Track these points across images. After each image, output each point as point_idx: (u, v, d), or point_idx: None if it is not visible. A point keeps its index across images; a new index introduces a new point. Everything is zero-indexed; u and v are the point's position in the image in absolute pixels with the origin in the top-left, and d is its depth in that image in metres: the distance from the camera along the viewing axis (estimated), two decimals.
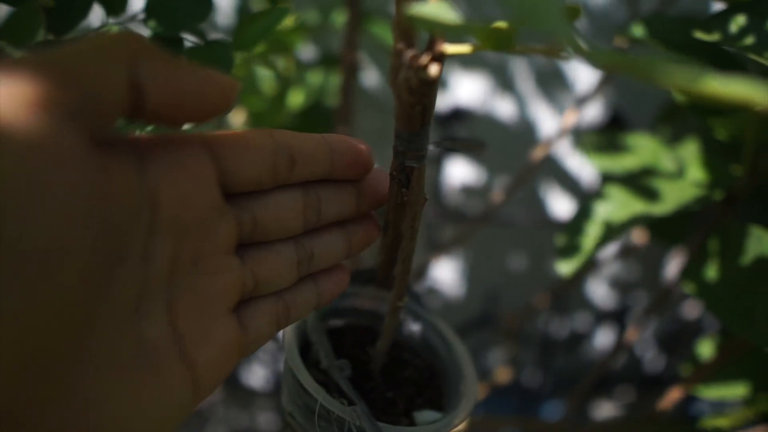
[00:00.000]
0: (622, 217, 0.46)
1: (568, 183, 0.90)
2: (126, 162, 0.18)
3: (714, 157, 0.52)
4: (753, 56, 0.36)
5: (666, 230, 0.54)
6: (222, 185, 0.22)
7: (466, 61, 0.82)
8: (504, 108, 0.87)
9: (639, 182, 0.49)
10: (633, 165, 0.54)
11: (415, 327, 0.37)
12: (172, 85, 0.18)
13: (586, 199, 0.48)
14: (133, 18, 0.36)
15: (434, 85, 0.22)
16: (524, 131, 0.88)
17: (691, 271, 0.48)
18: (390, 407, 0.33)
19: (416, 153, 0.25)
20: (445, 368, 0.36)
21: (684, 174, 0.47)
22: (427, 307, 0.38)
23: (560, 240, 0.47)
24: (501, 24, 0.18)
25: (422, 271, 0.61)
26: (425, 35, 0.22)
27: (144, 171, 0.19)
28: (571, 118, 0.55)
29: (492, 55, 0.83)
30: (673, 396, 0.53)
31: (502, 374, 0.73)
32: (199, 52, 0.34)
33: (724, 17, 0.37)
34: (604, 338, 1.03)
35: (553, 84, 0.85)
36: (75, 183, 0.15)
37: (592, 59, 0.16)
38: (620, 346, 0.58)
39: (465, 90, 0.84)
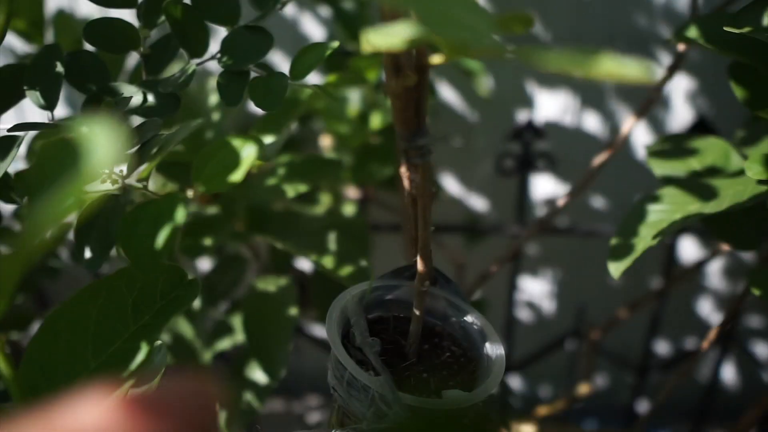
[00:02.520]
0: (675, 217, 0.46)
1: None
2: None
3: None
4: None
5: (739, 235, 0.52)
6: None
7: (547, 78, 0.84)
8: (589, 121, 0.87)
9: (697, 182, 0.48)
10: (699, 166, 0.53)
11: (455, 317, 0.40)
12: None
13: (640, 200, 0.49)
14: (212, 57, 0.43)
15: (417, 92, 0.26)
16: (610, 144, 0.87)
17: (759, 273, 0.46)
18: (423, 386, 0.36)
19: (417, 151, 0.29)
20: (480, 356, 0.38)
21: (745, 172, 0.47)
22: (464, 297, 0.41)
23: (613, 241, 0.48)
24: (431, 36, 0.22)
25: (485, 276, 0.63)
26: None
27: None
28: (632, 122, 0.55)
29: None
30: (750, 415, 0.51)
31: (584, 389, 0.72)
32: (260, 80, 0.40)
33: (756, 8, 0.38)
34: (714, 362, 0.97)
35: (639, 93, 0.84)
36: None
37: (499, 54, 0.19)
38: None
39: (547, 106, 0.85)
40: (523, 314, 1.01)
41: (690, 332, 0.98)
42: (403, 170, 0.30)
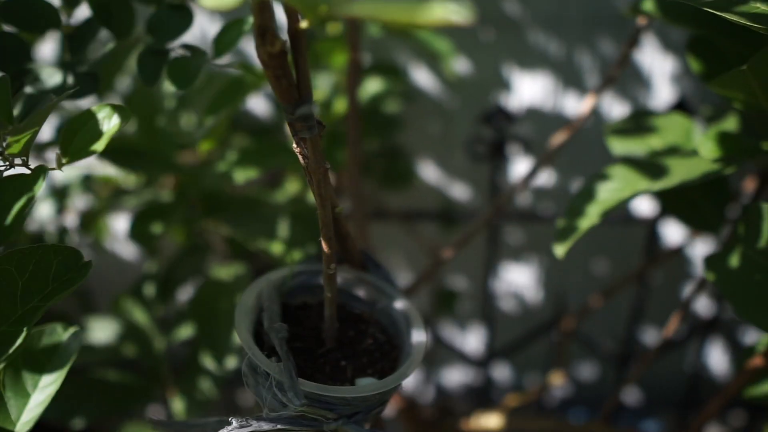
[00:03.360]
0: (623, 195, 0.44)
1: None
2: None
3: (745, 132, 0.48)
4: (729, 16, 0.34)
5: (697, 217, 0.50)
6: None
7: (526, 61, 0.82)
8: (570, 105, 0.84)
9: (649, 161, 0.46)
10: (659, 145, 0.51)
11: (382, 304, 0.39)
12: None
13: (589, 180, 0.47)
14: (135, 39, 0.42)
15: (285, 59, 0.24)
16: (595, 126, 0.84)
17: (715, 258, 0.44)
18: (338, 374, 0.35)
19: (303, 124, 0.27)
20: (403, 343, 0.37)
21: (698, 150, 0.44)
22: (395, 283, 0.39)
23: (560, 222, 0.46)
24: None
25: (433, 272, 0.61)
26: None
27: None
28: (590, 101, 0.53)
29: (555, 52, 0.81)
30: (713, 405, 0.49)
31: (556, 378, 0.70)
32: (179, 60, 0.39)
33: None
34: (698, 350, 0.94)
35: (622, 78, 0.81)
36: None
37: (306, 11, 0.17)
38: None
39: (527, 89, 0.83)
40: (507, 303, 0.99)
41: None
42: (294, 146, 0.29)
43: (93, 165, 0.77)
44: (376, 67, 0.76)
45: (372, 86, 0.76)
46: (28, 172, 0.31)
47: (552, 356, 0.97)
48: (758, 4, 0.37)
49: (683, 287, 0.94)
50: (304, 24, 0.24)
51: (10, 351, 0.28)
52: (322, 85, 0.74)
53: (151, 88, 0.58)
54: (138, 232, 0.56)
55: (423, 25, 0.17)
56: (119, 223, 0.94)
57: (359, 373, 0.35)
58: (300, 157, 0.29)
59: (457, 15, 0.16)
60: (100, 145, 0.30)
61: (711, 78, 0.46)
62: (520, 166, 0.88)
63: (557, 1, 0.79)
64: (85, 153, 0.30)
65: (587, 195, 0.45)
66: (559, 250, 0.44)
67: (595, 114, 0.84)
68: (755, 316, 0.39)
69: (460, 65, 0.82)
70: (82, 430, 0.59)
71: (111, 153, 0.56)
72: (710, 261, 0.45)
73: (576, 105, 0.83)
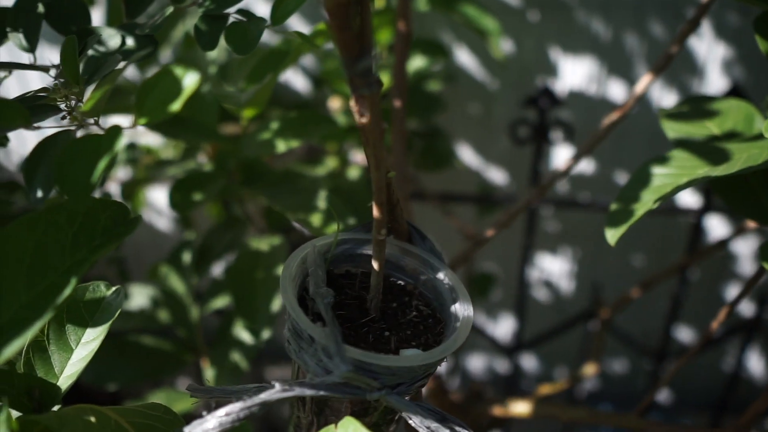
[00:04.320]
0: (680, 181, 0.42)
1: None
2: None
3: None
4: None
5: (758, 207, 0.48)
6: None
7: (572, 43, 0.79)
8: (615, 90, 0.82)
9: (709, 145, 0.44)
10: (718, 130, 0.49)
11: (427, 276, 0.38)
12: None
13: (645, 164, 0.45)
14: (193, 3, 0.42)
15: (353, 6, 0.23)
16: (640, 115, 0.82)
17: None
18: (381, 344, 0.34)
19: (363, 80, 0.26)
20: (449, 317, 0.36)
21: (764, 133, 0.42)
22: (441, 256, 0.38)
23: (612, 206, 0.44)
24: None
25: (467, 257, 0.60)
26: None
27: None
28: (646, 80, 0.51)
29: (602, 34, 0.79)
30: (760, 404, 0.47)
31: (590, 369, 0.69)
32: (237, 25, 0.38)
33: None
34: (738, 352, 0.91)
35: (672, 65, 0.79)
36: None
37: None
38: None
39: (572, 73, 0.81)
40: (539, 292, 0.97)
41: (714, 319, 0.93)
42: (352, 104, 0.28)
43: (136, 133, 0.77)
44: (419, 44, 0.75)
45: (415, 63, 0.74)
46: (101, 132, 0.30)
47: (583, 348, 0.95)
48: None
49: (723, 284, 0.91)
50: None
51: (58, 301, 0.28)
52: None
53: (201, 53, 0.57)
54: (178, 201, 0.56)
55: None
56: (156, 195, 0.95)
57: (403, 345, 0.34)
58: (356, 115, 0.28)
59: None
60: (177, 104, 0.29)
61: None
62: (561, 152, 0.86)
63: None
64: (162, 113, 0.29)
65: (642, 179, 0.44)
66: (611, 236, 0.42)
67: (641, 101, 0.81)
68: None
69: (504, 46, 0.80)
70: (114, 392, 0.60)
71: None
72: (766, 251, 0.43)
73: (621, 91, 0.81)
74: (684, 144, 0.47)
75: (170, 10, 0.41)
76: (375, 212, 0.31)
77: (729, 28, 0.76)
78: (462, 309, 0.35)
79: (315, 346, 0.30)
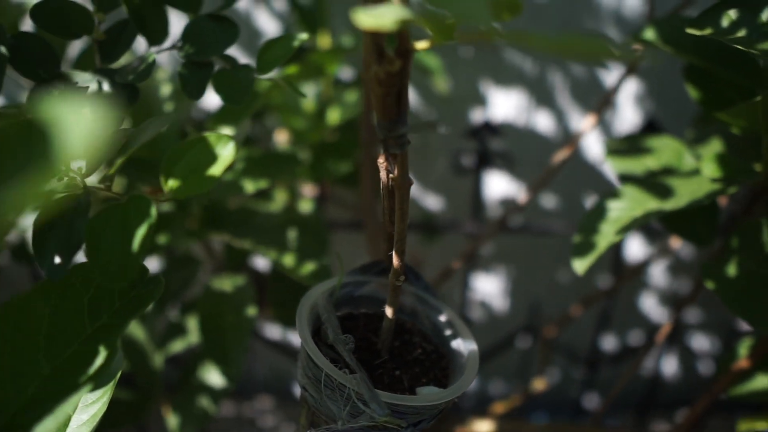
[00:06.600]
0: (635, 214, 0.47)
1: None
2: None
3: (732, 153, 0.52)
4: (743, 48, 0.37)
5: (694, 232, 0.54)
6: None
7: (502, 78, 0.85)
8: (542, 121, 0.88)
9: (654, 180, 0.50)
10: (655, 165, 0.55)
11: (424, 313, 0.40)
12: None
13: (601, 198, 0.49)
14: (173, 47, 0.41)
15: (400, 77, 0.25)
16: (563, 144, 0.89)
17: (712, 267, 0.48)
18: (396, 383, 0.36)
19: (396, 141, 0.28)
20: (452, 352, 0.38)
21: (700, 171, 0.48)
22: (435, 293, 0.40)
23: (576, 238, 0.48)
24: (440, 17, 0.21)
25: (449, 274, 0.63)
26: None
27: None
28: (590, 121, 0.57)
29: (529, 70, 0.85)
30: (701, 403, 0.52)
31: (539, 384, 0.73)
32: (226, 73, 0.39)
33: (717, 12, 0.39)
34: (656, 355, 1.00)
35: (591, 95, 0.86)
36: None
37: (490, 37, 0.19)
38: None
39: (502, 105, 0.86)
40: (477, 312, 1.01)
41: (635, 328, 1.01)
42: (381, 161, 0.29)
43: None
44: (358, 81, 0.78)
45: (352, 98, 0.77)
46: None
47: (521, 364, 1.00)
48: None
49: (639, 296, 1.00)
50: (422, 45, 0.25)
51: (90, 371, 0.27)
52: (311, 94, 0.74)
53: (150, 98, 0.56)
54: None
55: (590, 57, 0.18)
56: None
57: (414, 383, 0.36)
58: (383, 171, 0.30)
59: (623, 53, 0.17)
60: (216, 170, 0.29)
61: (708, 104, 0.50)
62: (499, 180, 0.91)
63: (529, 20, 0.83)
64: (199, 185, 0.29)
65: (599, 213, 0.48)
66: (579, 265, 0.46)
67: (565, 131, 0.88)
68: (755, 319, 0.43)
69: (440, 81, 0.85)
70: None
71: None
72: (708, 269, 0.48)
73: (546, 122, 0.88)
74: (629, 179, 0.52)
75: (153, 56, 0.41)
76: (395, 261, 0.33)
77: (640, 65, 0.84)
78: (465, 344, 0.37)
79: (345, 393, 0.31)
